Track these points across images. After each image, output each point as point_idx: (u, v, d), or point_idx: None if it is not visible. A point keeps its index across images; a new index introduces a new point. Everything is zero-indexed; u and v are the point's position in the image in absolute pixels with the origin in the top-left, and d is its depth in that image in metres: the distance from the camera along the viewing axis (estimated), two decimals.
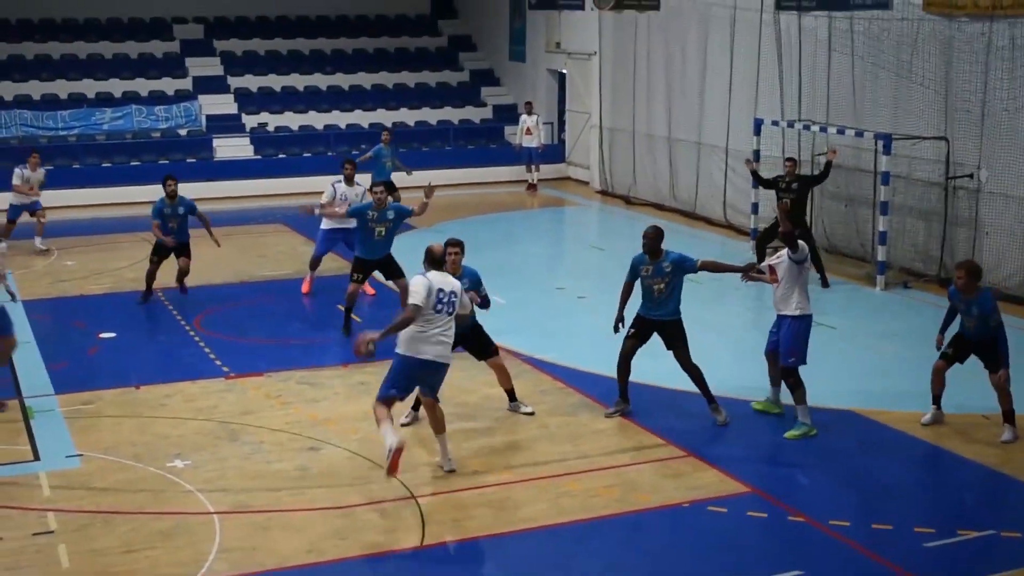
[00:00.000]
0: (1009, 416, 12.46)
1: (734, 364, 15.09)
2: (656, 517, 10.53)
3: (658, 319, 12.97)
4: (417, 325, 10.99)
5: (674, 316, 12.98)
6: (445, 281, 11.28)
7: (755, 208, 21.93)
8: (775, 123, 21.90)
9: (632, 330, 13.14)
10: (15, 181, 22.26)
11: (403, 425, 12.56)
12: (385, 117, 32.69)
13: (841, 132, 20.32)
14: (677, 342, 12.99)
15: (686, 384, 13.33)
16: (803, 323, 12.53)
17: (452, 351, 11.43)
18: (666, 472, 11.54)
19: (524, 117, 29.97)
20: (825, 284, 19.09)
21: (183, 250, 18.00)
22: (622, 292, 13.15)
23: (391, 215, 16.08)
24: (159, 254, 18.03)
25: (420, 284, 11.07)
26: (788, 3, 22.51)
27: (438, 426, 11.49)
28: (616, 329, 13.23)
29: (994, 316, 12.37)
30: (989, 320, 12.34)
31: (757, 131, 21.98)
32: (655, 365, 13.67)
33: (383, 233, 16.08)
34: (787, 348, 12.51)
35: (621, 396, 13.24)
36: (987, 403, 12.80)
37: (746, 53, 23.76)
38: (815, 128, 21.00)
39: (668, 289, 12.87)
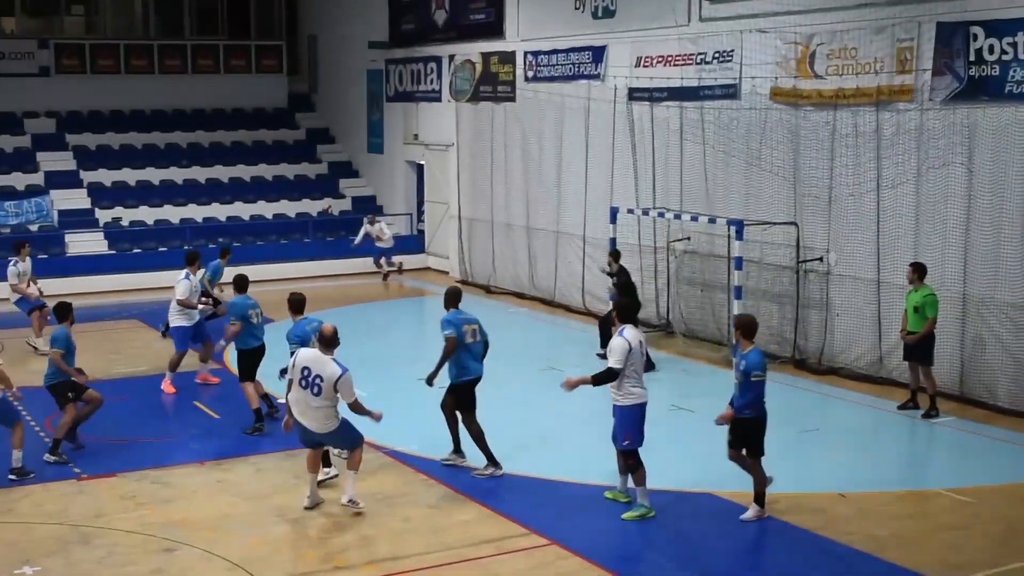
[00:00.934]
0: (758, 497, 12.66)
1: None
2: None
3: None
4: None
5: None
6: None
7: (612, 295, 22.13)
8: (631, 211, 22.23)
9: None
10: (12, 280, 21.28)
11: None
12: (243, 210, 32.46)
13: (695, 219, 20.71)
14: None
15: (548, 472, 13.30)
16: (634, 411, 12.56)
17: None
18: (530, 562, 11.45)
19: (367, 226, 29.91)
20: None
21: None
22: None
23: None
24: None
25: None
26: (640, 95, 22.99)
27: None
28: (429, 383, 14.24)
29: (755, 373, 12.31)
30: (750, 376, 12.30)
31: (613, 219, 22.27)
32: (523, 452, 13.61)
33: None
34: (620, 433, 12.62)
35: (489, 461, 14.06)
36: (841, 483, 13.00)
37: (601, 143, 24.17)
38: (669, 215, 21.36)
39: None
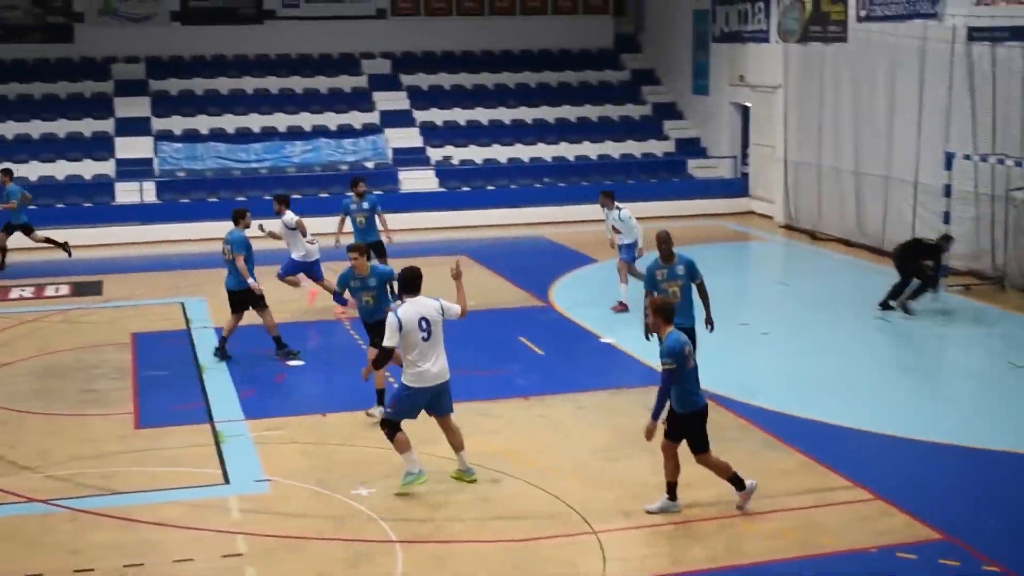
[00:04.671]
0: (670, 487, 11.27)
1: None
2: (842, 562, 10.23)
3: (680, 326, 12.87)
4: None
5: (691, 324, 13.48)
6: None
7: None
8: (967, 157, 21.27)
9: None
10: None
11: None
12: (567, 151, 32.85)
13: None
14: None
15: (874, 425, 13.00)
16: (401, 388, 11.99)
17: None
18: (853, 516, 11.24)
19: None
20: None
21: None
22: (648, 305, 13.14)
23: (373, 283, 14.26)
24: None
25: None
26: (980, 34, 21.88)
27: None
28: (647, 338, 13.76)
29: (665, 360, 10.82)
30: (662, 363, 10.88)
31: (948, 165, 21.39)
32: (842, 404, 13.35)
33: (371, 302, 14.29)
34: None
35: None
36: None
37: (936, 85, 23.16)
38: (1009, 162, 20.33)
39: (682, 293, 13.63)
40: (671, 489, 11.26)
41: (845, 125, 26.42)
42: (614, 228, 19.58)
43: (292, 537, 10.83)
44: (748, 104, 31.63)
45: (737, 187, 31.76)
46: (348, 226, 20.60)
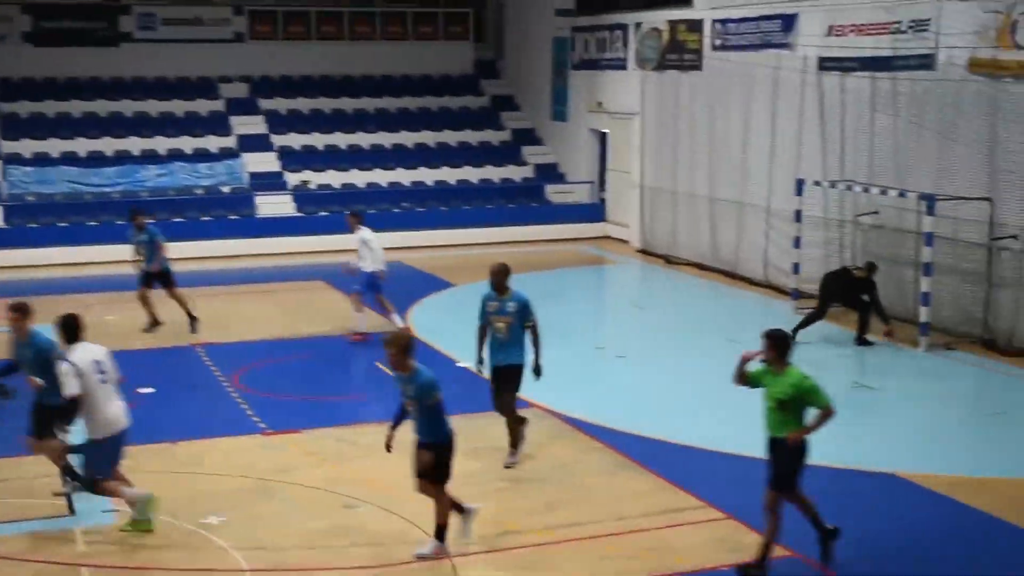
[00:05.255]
0: (438, 531, 10.88)
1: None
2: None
3: (502, 364, 13.17)
4: None
5: (517, 362, 13.16)
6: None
7: (796, 268, 21.79)
8: (817, 183, 21.79)
9: (492, 384, 13.37)
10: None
11: None
12: (426, 175, 32.84)
13: (884, 192, 20.19)
14: (508, 385, 13.22)
15: (727, 446, 13.18)
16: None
17: None
18: (707, 535, 11.37)
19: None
20: (862, 342, 19.02)
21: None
22: (478, 335, 13.34)
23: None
24: None
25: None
26: (831, 64, 22.48)
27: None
28: (479, 371, 13.54)
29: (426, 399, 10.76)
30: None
31: (799, 191, 21.88)
32: (696, 425, 13.51)
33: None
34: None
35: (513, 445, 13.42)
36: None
37: (788, 113, 23.71)
38: (857, 188, 20.87)
39: (509, 330, 13.08)
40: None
41: (700, 151, 26.88)
42: (358, 252, 19.69)
43: (141, 568, 10.57)
44: (606, 130, 32.00)
45: (594, 212, 32.09)
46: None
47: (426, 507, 11.95)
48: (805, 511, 10.58)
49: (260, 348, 19.15)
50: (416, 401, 10.77)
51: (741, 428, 14.74)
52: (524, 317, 13.15)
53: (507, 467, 13.22)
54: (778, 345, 10.29)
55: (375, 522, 11.68)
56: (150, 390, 16.48)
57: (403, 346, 10.72)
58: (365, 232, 19.67)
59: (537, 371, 13.25)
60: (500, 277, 13.32)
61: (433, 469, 10.69)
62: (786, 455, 10.22)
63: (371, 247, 19.53)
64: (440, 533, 10.81)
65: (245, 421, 15.02)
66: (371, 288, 19.67)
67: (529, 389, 13.53)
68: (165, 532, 11.40)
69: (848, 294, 19.34)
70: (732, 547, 10.98)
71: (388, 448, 11.05)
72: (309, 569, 10.61)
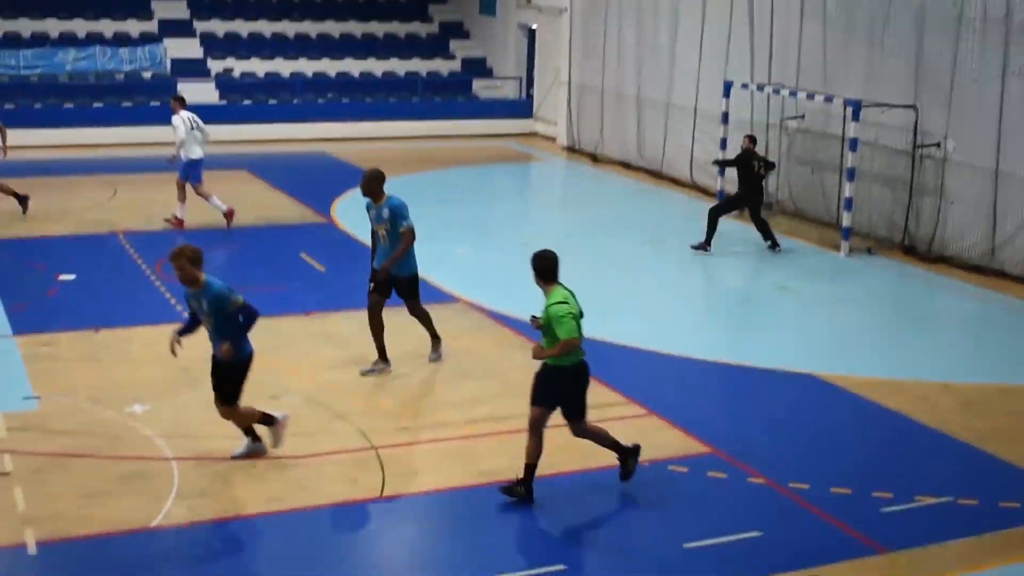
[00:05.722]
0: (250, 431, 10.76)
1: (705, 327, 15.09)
2: (616, 474, 10.46)
3: (394, 274, 12.69)
4: None
5: (406, 273, 12.73)
6: None
7: (722, 170, 21.87)
8: (744, 86, 21.83)
9: (371, 284, 12.90)
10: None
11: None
12: (352, 67, 32.44)
13: (811, 97, 20.29)
14: (405, 296, 12.90)
15: (649, 343, 13.32)
16: None
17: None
18: (628, 430, 11.51)
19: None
20: (774, 246, 19.10)
21: None
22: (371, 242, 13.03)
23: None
24: None
25: None
26: None
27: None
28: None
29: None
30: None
31: (727, 93, 21.92)
32: (618, 323, 13.62)
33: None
34: None
35: (379, 355, 12.98)
36: (945, 372, 12.85)
37: (718, 15, 23.66)
38: (785, 92, 20.95)
39: (389, 236, 12.57)
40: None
41: (629, 51, 26.77)
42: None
43: (62, 455, 10.51)
44: (535, 26, 31.73)
45: (522, 108, 31.95)
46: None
47: (351, 397, 12.04)
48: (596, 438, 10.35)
49: (182, 237, 18.92)
50: (210, 316, 10.24)
51: (661, 326, 14.98)
52: (397, 222, 12.52)
53: (431, 361, 13.27)
54: (533, 266, 10.23)
55: (300, 413, 11.66)
56: (71, 277, 16.29)
57: (190, 258, 10.13)
58: (176, 117, 19.23)
59: (384, 271, 12.62)
60: (371, 184, 12.59)
61: (222, 388, 10.40)
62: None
63: (176, 132, 19.17)
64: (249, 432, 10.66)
65: (168, 309, 14.88)
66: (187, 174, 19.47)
67: (454, 284, 13.52)
68: (87, 420, 11.34)
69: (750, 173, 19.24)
70: (653, 443, 11.12)
71: (173, 352, 10.45)
72: (232, 459, 10.59)
